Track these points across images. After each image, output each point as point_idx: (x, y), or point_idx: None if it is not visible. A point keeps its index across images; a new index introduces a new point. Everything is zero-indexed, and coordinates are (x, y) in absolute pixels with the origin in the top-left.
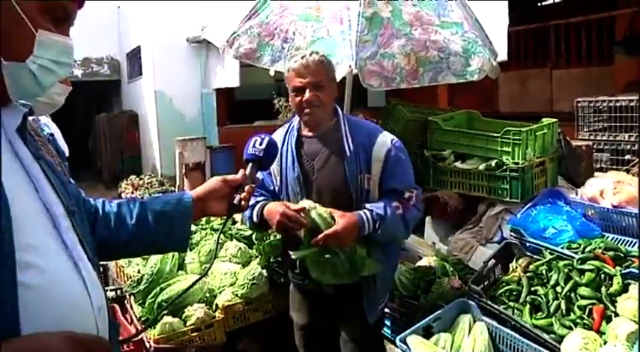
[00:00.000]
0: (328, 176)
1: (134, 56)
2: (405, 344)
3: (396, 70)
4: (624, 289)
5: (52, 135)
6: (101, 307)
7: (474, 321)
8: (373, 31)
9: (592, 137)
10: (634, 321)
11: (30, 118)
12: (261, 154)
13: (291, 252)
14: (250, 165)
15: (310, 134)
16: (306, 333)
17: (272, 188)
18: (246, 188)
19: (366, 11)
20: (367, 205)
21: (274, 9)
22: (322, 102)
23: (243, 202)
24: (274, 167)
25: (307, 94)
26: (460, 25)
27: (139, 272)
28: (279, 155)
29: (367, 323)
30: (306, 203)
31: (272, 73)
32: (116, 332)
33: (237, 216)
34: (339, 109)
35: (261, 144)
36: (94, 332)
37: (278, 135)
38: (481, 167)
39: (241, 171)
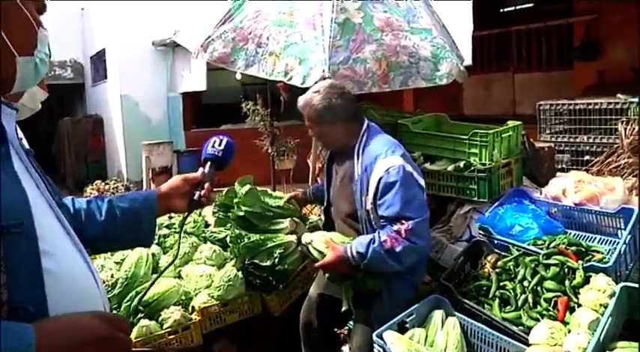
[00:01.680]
0: (342, 192)
1: (98, 59)
2: (382, 339)
3: (367, 74)
4: (586, 281)
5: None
6: (104, 291)
7: (447, 316)
8: (345, 37)
9: (553, 139)
10: (595, 310)
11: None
12: (219, 154)
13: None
14: (209, 164)
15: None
16: (314, 303)
17: None
18: (206, 186)
19: (338, 17)
20: (354, 241)
21: (248, 14)
22: (317, 137)
23: (203, 199)
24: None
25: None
26: (429, 31)
27: (112, 276)
28: None
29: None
30: (306, 237)
31: (238, 76)
32: None
33: (211, 220)
34: (365, 128)
35: (220, 144)
36: None
37: None
38: (450, 168)
39: (200, 170)
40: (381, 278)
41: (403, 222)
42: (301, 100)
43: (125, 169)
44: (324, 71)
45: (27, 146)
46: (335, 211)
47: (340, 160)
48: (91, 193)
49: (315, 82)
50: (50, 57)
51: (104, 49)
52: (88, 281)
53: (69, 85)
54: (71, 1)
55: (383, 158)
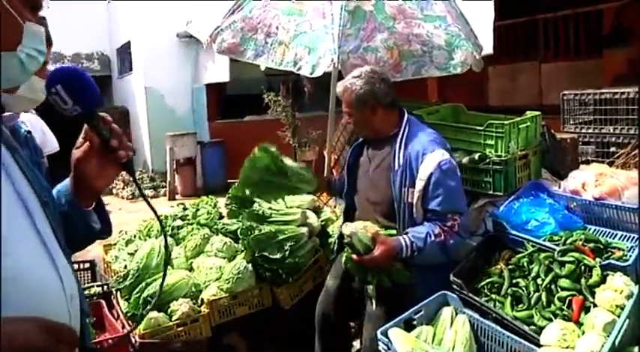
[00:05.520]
0: (376, 182)
1: (124, 51)
2: (387, 337)
3: (379, 63)
4: (603, 280)
5: (29, 132)
6: (73, 295)
7: (456, 314)
8: (356, 25)
9: (578, 130)
10: (611, 312)
11: (7, 114)
12: (77, 106)
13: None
14: (85, 126)
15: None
16: (332, 295)
17: None
18: (113, 142)
19: (348, 5)
20: (410, 232)
21: (257, 3)
22: (356, 124)
23: (121, 152)
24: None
25: (344, 117)
26: (443, 19)
27: (125, 267)
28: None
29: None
30: (349, 228)
31: (263, 67)
32: (87, 319)
33: (224, 211)
34: (407, 119)
35: (65, 92)
36: (67, 319)
37: None
38: (464, 160)
39: (83, 134)
40: (414, 271)
41: (455, 216)
42: (340, 86)
43: (150, 160)
44: (333, 60)
45: (51, 138)
46: (360, 199)
47: (376, 148)
48: (116, 184)
49: (328, 72)
50: (43, 53)
51: (129, 42)
52: (51, 285)
53: (96, 77)
54: None
55: (431, 151)
